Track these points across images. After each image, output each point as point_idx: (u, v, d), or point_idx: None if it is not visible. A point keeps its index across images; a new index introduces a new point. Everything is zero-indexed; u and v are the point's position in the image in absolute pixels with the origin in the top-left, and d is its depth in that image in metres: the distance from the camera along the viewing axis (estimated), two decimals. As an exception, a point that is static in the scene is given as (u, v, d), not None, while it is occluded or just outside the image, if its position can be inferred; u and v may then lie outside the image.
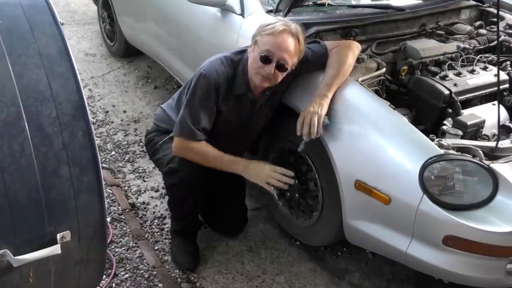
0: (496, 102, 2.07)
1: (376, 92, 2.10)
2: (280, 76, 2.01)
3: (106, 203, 1.46)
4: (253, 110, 2.16)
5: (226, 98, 2.07)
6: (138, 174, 2.90)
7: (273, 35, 1.94)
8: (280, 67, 1.97)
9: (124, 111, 3.56)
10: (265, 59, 1.95)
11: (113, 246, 2.35)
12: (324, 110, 1.96)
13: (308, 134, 1.96)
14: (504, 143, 1.91)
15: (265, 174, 2.08)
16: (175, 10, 3.09)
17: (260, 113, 2.20)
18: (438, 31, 2.60)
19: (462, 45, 2.43)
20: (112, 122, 3.43)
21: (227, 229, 2.46)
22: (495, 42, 2.53)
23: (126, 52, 4.21)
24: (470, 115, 2.06)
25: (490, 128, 2.03)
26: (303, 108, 2.00)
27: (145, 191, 2.77)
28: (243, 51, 2.11)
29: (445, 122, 2.05)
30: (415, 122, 2.04)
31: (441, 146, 1.83)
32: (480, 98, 2.25)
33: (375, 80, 2.17)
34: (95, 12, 4.69)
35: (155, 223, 2.54)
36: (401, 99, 2.25)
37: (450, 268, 1.82)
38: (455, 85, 2.16)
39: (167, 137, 2.20)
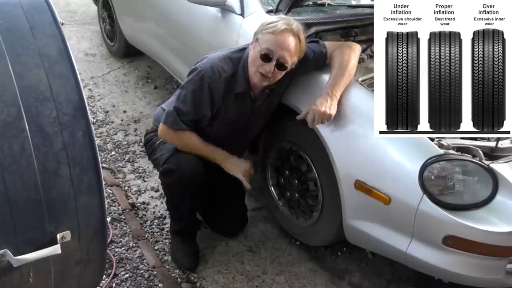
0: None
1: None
2: (279, 74, 2.01)
3: (106, 203, 1.46)
4: (252, 108, 2.16)
5: (225, 96, 2.06)
6: (138, 174, 2.90)
7: (275, 34, 1.95)
8: (280, 65, 1.97)
9: (124, 111, 3.56)
10: (265, 57, 1.95)
11: (113, 246, 2.35)
12: (334, 111, 1.96)
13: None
14: (504, 143, 1.91)
15: (243, 167, 2.16)
16: (175, 10, 3.08)
17: (259, 112, 2.20)
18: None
19: None
20: (112, 122, 3.43)
21: (227, 229, 2.45)
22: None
23: (126, 52, 4.20)
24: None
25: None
26: (313, 104, 1.97)
27: (145, 191, 2.77)
28: (243, 49, 2.11)
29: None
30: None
31: (441, 146, 1.83)
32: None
33: (375, 80, 2.17)
34: (95, 12, 4.69)
35: (155, 223, 2.54)
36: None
37: (450, 268, 1.82)
38: None
39: None
